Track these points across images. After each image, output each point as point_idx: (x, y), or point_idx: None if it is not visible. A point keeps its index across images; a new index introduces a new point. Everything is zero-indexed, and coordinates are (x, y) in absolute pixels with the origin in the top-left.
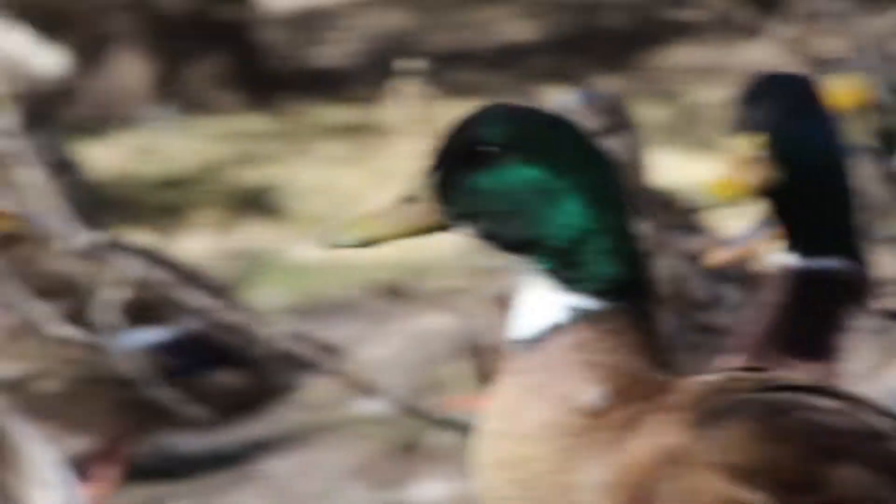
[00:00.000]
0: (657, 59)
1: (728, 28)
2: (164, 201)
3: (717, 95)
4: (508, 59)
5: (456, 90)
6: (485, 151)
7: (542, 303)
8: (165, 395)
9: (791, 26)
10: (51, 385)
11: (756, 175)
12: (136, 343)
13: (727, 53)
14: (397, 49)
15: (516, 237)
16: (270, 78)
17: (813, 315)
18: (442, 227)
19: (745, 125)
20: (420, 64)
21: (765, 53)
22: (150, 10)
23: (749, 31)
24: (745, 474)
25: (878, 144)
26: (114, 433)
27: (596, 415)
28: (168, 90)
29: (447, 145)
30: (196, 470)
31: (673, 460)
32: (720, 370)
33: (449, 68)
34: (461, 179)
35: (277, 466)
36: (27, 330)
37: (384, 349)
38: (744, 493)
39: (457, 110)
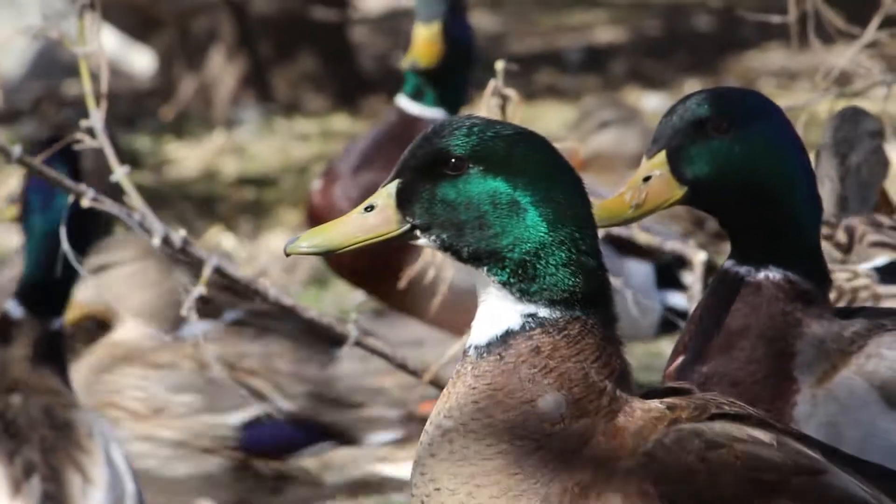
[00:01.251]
0: (743, 62)
1: (816, 32)
2: (248, 200)
3: (802, 100)
4: (595, 62)
5: (543, 93)
6: (448, 162)
7: (497, 311)
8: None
9: (879, 31)
10: None
11: (653, 192)
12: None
13: (814, 57)
14: (485, 51)
15: (475, 248)
16: (358, 79)
17: (737, 326)
18: (401, 237)
19: (652, 144)
20: (508, 66)
21: (853, 57)
22: (241, 11)
23: (837, 35)
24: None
25: None
26: None
27: (553, 422)
28: (257, 91)
29: (410, 154)
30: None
31: (612, 488)
32: (662, 391)
33: (536, 71)
34: (423, 189)
35: None
36: None
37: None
38: None
39: (544, 113)
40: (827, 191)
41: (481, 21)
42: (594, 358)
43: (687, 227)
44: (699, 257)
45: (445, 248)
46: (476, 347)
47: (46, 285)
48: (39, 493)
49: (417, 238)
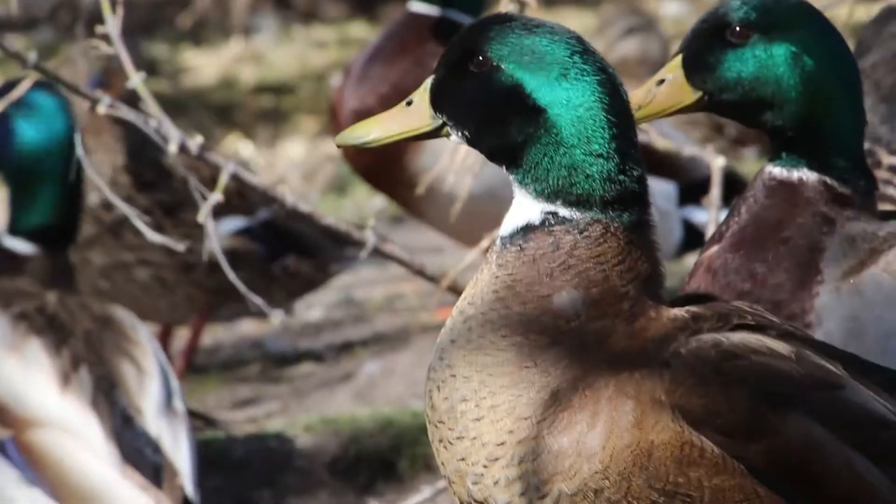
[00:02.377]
0: None
1: None
2: (265, 108)
3: (818, 3)
4: None
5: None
6: (474, 59)
7: (522, 206)
8: (247, 277)
9: None
10: (141, 274)
11: (663, 95)
12: (223, 229)
13: None
14: None
15: (492, 145)
16: None
17: (771, 219)
18: (434, 132)
19: (678, 47)
20: None
21: None
22: None
23: None
24: (694, 417)
25: None
26: (192, 316)
27: (568, 319)
28: None
29: (446, 50)
30: (289, 371)
31: (625, 392)
32: (689, 297)
33: None
34: (452, 85)
35: (365, 368)
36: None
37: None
38: (692, 435)
39: (563, 19)
40: (871, 94)
41: None
42: (617, 262)
43: (706, 134)
44: (718, 163)
45: (472, 143)
46: (501, 238)
47: (60, 222)
48: (90, 384)
49: (448, 134)
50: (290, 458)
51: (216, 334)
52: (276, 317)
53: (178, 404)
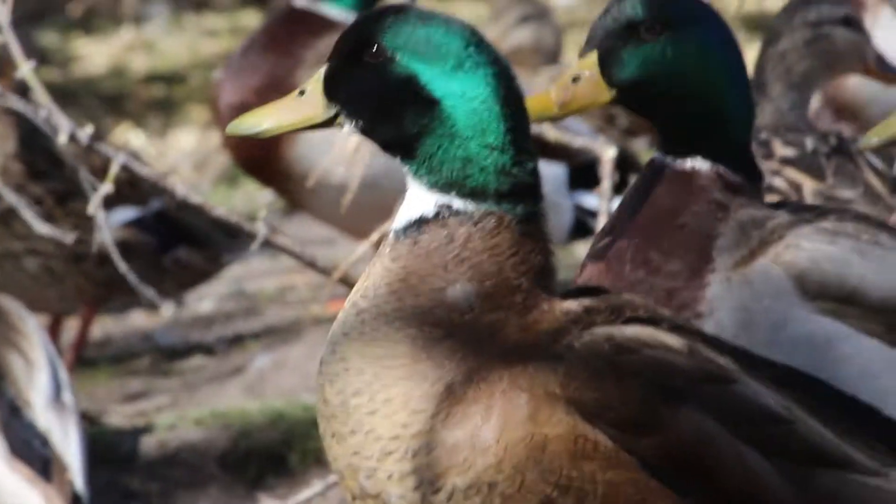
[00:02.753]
0: None
1: None
2: (156, 97)
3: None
4: None
5: None
6: (369, 48)
7: (415, 198)
8: (138, 268)
9: None
10: (30, 263)
11: (581, 92)
12: (114, 220)
13: None
14: None
15: (387, 136)
16: None
17: (665, 207)
18: (327, 122)
19: (586, 43)
20: None
21: None
22: None
23: None
24: (588, 410)
25: None
26: (82, 307)
27: (462, 312)
28: None
29: (339, 40)
30: (179, 364)
31: (518, 385)
32: (579, 291)
33: None
34: (346, 75)
35: (256, 361)
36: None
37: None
38: (586, 428)
39: (456, 9)
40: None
41: None
42: (510, 254)
43: (598, 124)
44: (608, 154)
45: (365, 134)
46: (395, 230)
47: None
48: None
49: (342, 124)
50: (179, 452)
51: (106, 326)
52: (167, 309)
53: (68, 397)
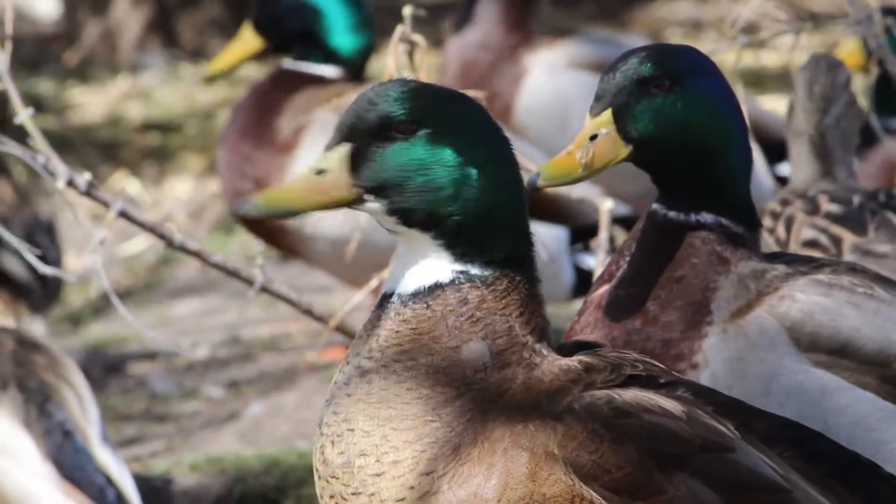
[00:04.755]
0: (650, 12)
1: None
2: (152, 145)
3: (709, 49)
4: None
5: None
6: (397, 125)
7: (429, 265)
8: None
9: None
10: None
11: (600, 151)
12: None
13: (721, 7)
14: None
15: (422, 212)
16: None
17: (665, 259)
18: (351, 201)
19: (596, 101)
20: (415, 12)
21: (759, 6)
22: None
23: None
24: (585, 472)
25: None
26: None
27: (476, 370)
28: (162, 36)
29: (357, 118)
30: (174, 410)
31: (520, 444)
32: (575, 346)
33: (444, 19)
34: (373, 153)
35: (251, 408)
36: None
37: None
38: (582, 489)
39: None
40: (804, 147)
41: None
42: (518, 313)
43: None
44: (605, 206)
45: (395, 212)
46: (400, 295)
47: None
48: (21, 402)
49: (368, 202)
50: (174, 497)
51: (101, 371)
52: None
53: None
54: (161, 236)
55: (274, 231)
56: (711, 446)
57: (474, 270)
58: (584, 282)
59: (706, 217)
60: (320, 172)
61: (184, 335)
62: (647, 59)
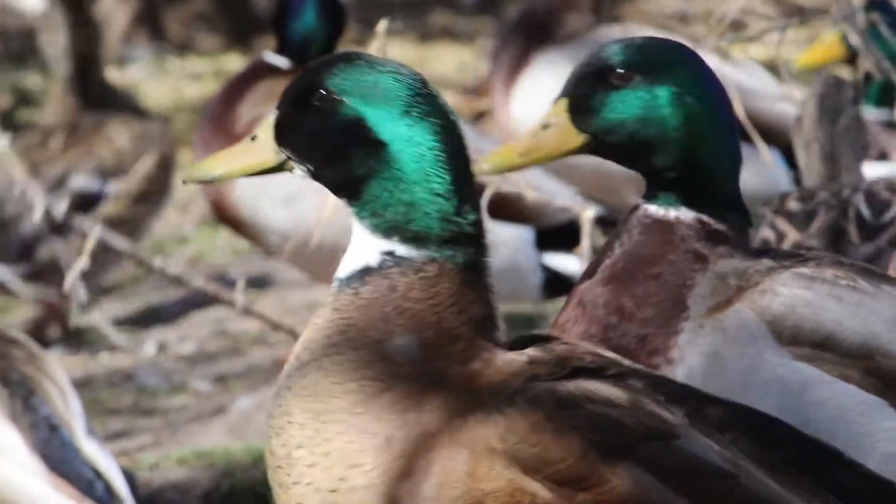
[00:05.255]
0: (638, 6)
1: None
2: None
3: (695, 45)
4: (491, 4)
5: (438, 35)
6: (317, 94)
7: (359, 246)
8: None
9: None
10: None
11: (549, 140)
12: None
13: (708, 2)
14: None
15: (336, 178)
16: (251, 18)
17: (644, 256)
18: (279, 167)
19: (561, 90)
20: (391, 25)
21: (747, 2)
22: None
23: None
24: (526, 465)
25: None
26: None
27: (400, 363)
28: (149, 30)
29: (289, 88)
30: (162, 404)
31: (458, 440)
32: (528, 339)
33: (431, 12)
34: (295, 120)
35: (239, 402)
36: None
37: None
38: (525, 482)
39: (438, 55)
40: (815, 153)
41: None
42: (450, 303)
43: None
44: (587, 214)
45: (314, 177)
46: (338, 280)
47: None
48: (5, 396)
49: (292, 168)
50: (162, 491)
51: (88, 366)
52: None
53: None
54: (140, 262)
55: (234, 223)
56: (656, 434)
57: (400, 251)
58: (554, 282)
59: (685, 213)
60: (253, 139)
61: (171, 329)
62: (613, 49)
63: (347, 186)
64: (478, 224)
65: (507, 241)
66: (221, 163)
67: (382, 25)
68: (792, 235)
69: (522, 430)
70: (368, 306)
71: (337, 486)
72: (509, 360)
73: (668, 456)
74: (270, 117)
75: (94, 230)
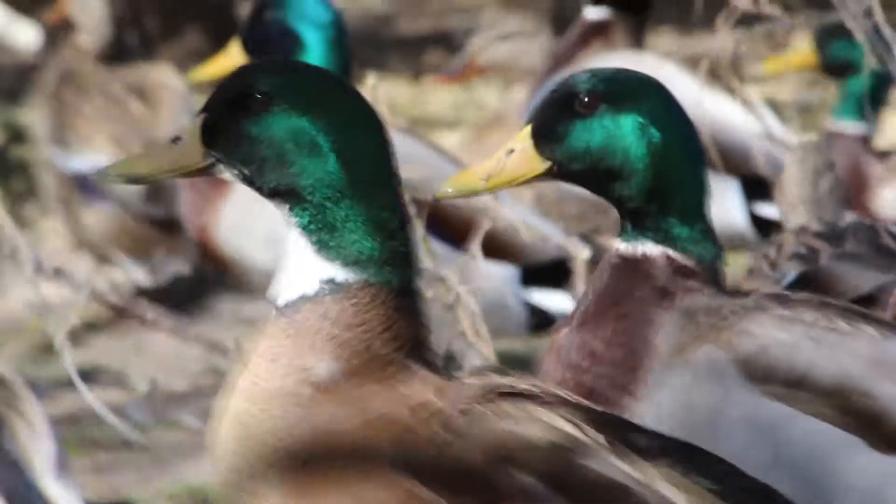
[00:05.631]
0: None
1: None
2: None
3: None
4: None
5: (432, 73)
6: (252, 98)
7: (300, 269)
8: None
9: None
10: None
11: (512, 165)
12: None
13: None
14: (377, 31)
15: (275, 185)
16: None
17: (611, 296)
18: (205, 169)
19: (527, 117)
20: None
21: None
22: None
23: None
24: (424, 475)
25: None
26: None
27: (326, 390)
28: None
29: (218, 90)
30: (151, 439)
31: (370, 459)
32: (477, 371)
33: (425, 52)
34: (226, 123)
35: None
36: None
37: None
38: (421, 491)
39: (433, 93)
40: (801, 213)
41: (370, 1)
42: (382, 329)
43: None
44: (582, 255)
45: (247, 182)
46: (276, 307)
47: None
48: None
49: (221, 172)
50: None
51: (77, 401)
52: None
53: (67, 471)
54: (133, 316)
55: (220, 262)
56: (564, 451)
57: (339, 277)
58: (541, 320)
59: (652, 249)
60: (175, 140)
61: (162, 365)
62: (582, 78)
63: (284, 195)
64: (412, 244)
65: (492, 277)
66: (145, 162)
67: (371, 82)
68: (826, 250)
69: (428, 445)
70: (298, 335)
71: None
72: (438, 383)
73: (573, 473)
74: (198, 119)
75: (85, 286)
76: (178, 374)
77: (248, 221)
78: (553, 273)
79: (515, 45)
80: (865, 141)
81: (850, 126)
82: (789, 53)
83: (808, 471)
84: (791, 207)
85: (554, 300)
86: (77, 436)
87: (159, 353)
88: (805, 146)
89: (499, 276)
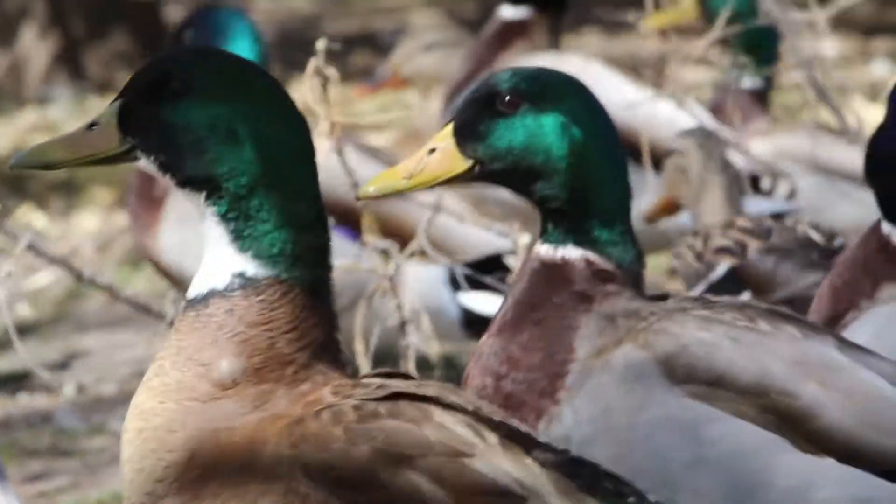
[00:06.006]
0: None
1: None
2: (59, 179)
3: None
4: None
5: (359, 75)
6: (170, 85)
7: (214, 260)
8: None
9: None
10: None
11: (434, 164)
12: None
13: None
14: (303, 33)
15: (192, 172)
16: None
17: (529, 301)
18: (121, 156)
19: (450, 116)
20: (329, 46)
21: None
22: None
23: None
24: (311, 469)
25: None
26: None
27: (224, 387)
28: (69, 69)
29: (136, 75)
30: (80, 445)
31: (256, 452)
32: (381, 373)
33: (352, 53)
34: (144, 110)
35: None
36: None
37: None
38: (300, 485)
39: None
40: (716, 198)
41: (297, 2)
42: (288, 328)
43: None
44: (523, 240)
45: (164, 169)
46: (187, 299)
47: None
48: None
49: (138, 158)
50: None
51: (6, 407)
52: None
53: (3, 478)
54: (70, 270)
55: (159, 268)
56: (449, 451)
57: (250, 271)
58: (474, 322)
59: (572, 252)
60: (91, 126)
61: (91, 370)
62: (504, 77)
63: (200, 183)
64: (327, 241)
65: (420, 280)
66: (58, 148)
67: (321, 45)
68: (753, 244)
69: (317, 441)
70: (203, 329)
71: (143, 500)
72: (339, 382)
73: (457, 471)
74: (113, 105)
75: (24, 235)
76: (108, 380)
77: (186, 240)
78: (487, 273)
79: (439, 56)
80: (761, 96)
81: (746, 81)
82: (670, 9)
83: (732, 470)
84: (699, 193)
85: (488, 302)
86: (6, 442)
87: (88, 358)
88: (698, 132)
89: (430, 277)
